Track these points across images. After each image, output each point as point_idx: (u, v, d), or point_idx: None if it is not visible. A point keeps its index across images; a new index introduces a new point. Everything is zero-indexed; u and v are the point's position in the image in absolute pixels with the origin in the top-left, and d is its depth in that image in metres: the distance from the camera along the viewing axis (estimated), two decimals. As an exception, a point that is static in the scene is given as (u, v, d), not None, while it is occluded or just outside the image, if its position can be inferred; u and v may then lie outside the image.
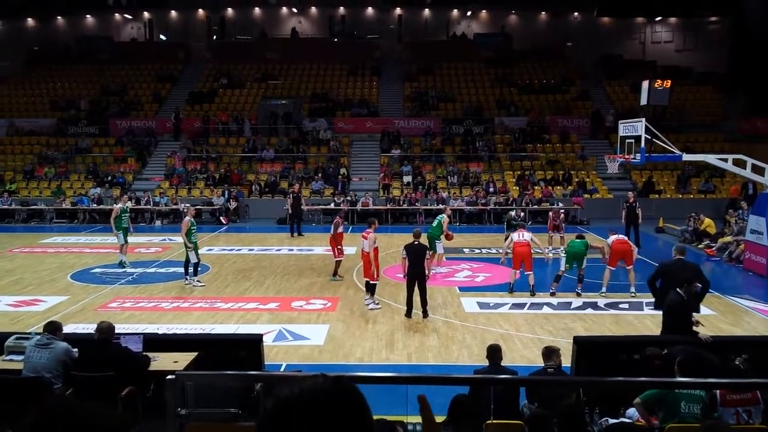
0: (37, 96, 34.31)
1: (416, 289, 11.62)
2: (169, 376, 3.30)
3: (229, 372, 3.53)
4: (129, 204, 17.72)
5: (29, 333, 7.53)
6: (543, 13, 38.04)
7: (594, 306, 12.61)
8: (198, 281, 14.39)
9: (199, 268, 14.65)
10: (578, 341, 8.35)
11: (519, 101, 33.02)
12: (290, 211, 22.23)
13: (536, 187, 26.79)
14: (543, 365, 6.88)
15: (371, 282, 12.54)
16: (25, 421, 1.53)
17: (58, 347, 6.64)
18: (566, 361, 8.83)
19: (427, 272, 12.76)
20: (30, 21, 38.20)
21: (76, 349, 6.83)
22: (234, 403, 4.22)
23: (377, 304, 12.58)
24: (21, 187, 27.64)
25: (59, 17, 38.19)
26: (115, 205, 18.05)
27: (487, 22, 38.87)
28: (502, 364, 7.08)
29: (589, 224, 24.24)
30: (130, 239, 16.89)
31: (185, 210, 16.02)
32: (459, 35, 38.00)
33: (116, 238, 16.25)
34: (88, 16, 38.23)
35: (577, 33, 37.54)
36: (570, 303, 12.79)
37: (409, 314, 11.70)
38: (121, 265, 16.13)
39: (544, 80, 34.75)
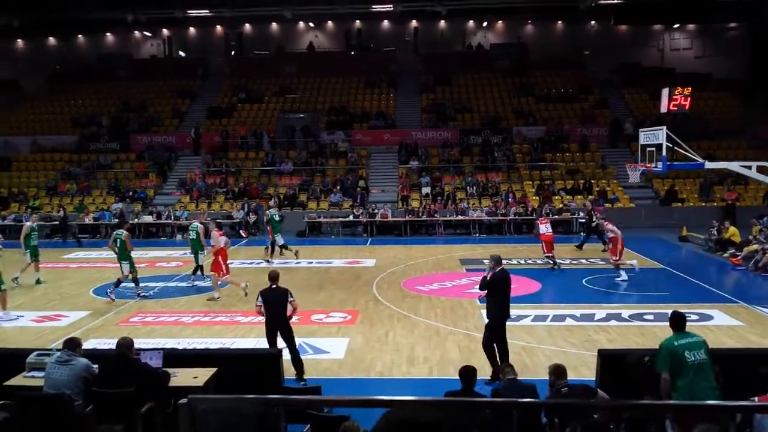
0: (59, 113, 34.83)
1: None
2: (181, 401, 3.25)
3: (245, 396, 3.45)
4: (38, 223, 17.95)
5: (50, 349, 7.55)
6: (559, 22, 37.86)
7: (618, 317, 12.39)
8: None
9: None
10: (603, 354, 8.16)
11: (537, 111, 32.86)
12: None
13: (556, 197, 26.57)
14: (553, 383, 6.66)
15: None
16: None
17: (78, 364, 6.64)
18: (590, 375, 8.70)
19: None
20: (52, 40, 38.85)
21: (96, 366, 6.83)
22: (252, 423, 4.15)
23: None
24: (44, 202, 28.00)
25: (80, 36, 38.78)
26: (26, 222, 17.65)
27: (503, 33, 38.80)
28: (521, 377, 6.95)
29: (610, 234, 23.95)
30: (149, 253, 16.99)
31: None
32: (475, 46, 37.97)
33: (25, 256, 16.24)
34: (108, 34, 38.78)
35: (594, 41, 37.32)
36: (593, 314, 12.58)
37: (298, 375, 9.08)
38: (38, 282, 16.37)
39: (561, 89, 34.56)
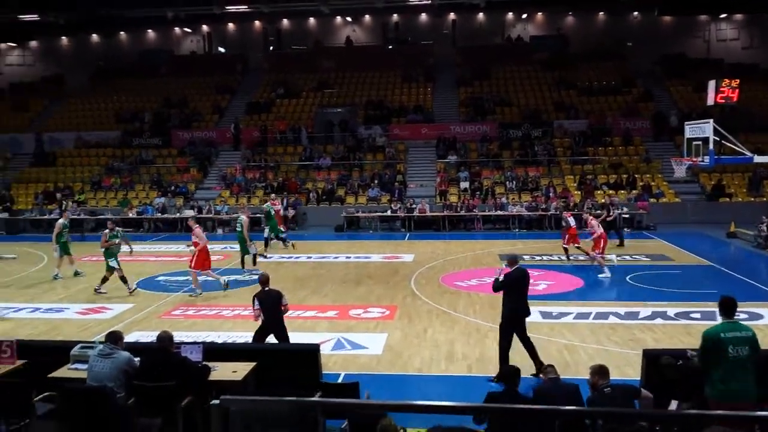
0: (103, 109, 35.56)
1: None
2: (213, 401, 3.20)
3: (279, 399, 3.39)
4: (72, 218, 18.48)
5: (93, 342, 7.66)
6: (601, 13, 37.06)
7: (663, 316, 12.03)
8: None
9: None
10: (648, 354, 7.91)
11: (578, 103, 32.25)
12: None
13: (598, 192, 26.06)
14: (596, 383, 6.47)
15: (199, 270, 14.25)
16: None
17: (120, 357, 6.70)
18: (635, 375, 8.46)
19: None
20: (95, 37, 39.68)
21: (137, 359, 6.90)
22: (289, 421, 4.09)
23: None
24: (89, 197, 28.63)
25: (122, 33, 39.52)
26: (59, 219, 17.73)
27: (542, 25, 38.17)
28: (564, 376, 6.79)
29: (656, 229, 23.41)
30: (190, 247, 17.17)
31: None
32: (514, 38, 37.46)
33: (55, 252, 16.58)
34: (149, 30, 39.40)
35: (637, 32, 36.40)
36: (638, 312, 12.25)
37: None
38: (56, 278, 16.50)
39: (603, 82, 33.85)
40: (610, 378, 6.46)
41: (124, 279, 14.68)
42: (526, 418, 3.82)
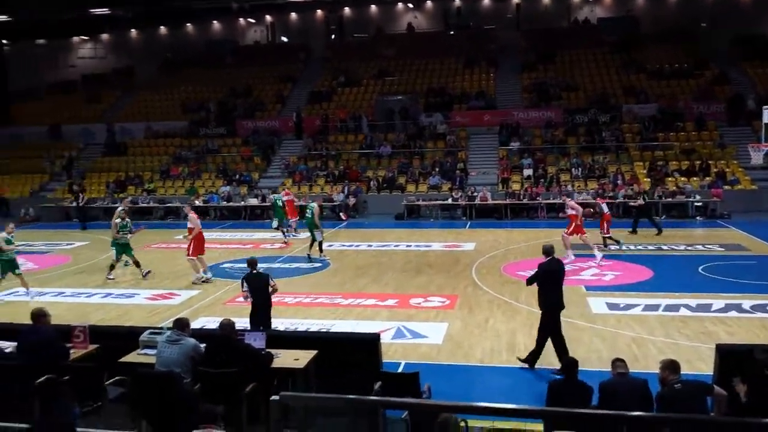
0: (171, 100, 36.58)
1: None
2: (273, 397, 3.20)
3: (339, 396, 3.37)
4: (129, 206, 18.87)
5: (161, 328, 7.87)
6: (673, -7, 35.57)
7: (738, 308, 11.48)
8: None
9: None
10: (721, 349, 7.55)
11: (648, 87, 31.05)
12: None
13: (670, 179, 25.09)
14: (666, 378, 6.20)
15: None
16: None
17: (187, 343, 6.86)
18: (707, 369, 8.12)
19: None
20: (163, 29, 40.82)
21: (203, 345, 7.05)
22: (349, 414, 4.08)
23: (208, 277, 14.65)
24: (158, 186, 29.57)
25: (188, 24, 40.50)
26: (118, 208, 17.87)
27: (611, 6, 36.88)
28: (633, 370, 6.58)
29: (730, 218, 22.39)
30: (254, 235, 17.51)
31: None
32: (581, 21, 36.36)
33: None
34: (214, 21, 40.26)
35: (711, 12, 34.67)
36: (710, 305, 11.73)
37: None
38: (127, 264, 16.86)
39: (675, 64, 32.47)
40: (681, 373, 6.20)
41: (137, 263, 15.55)
42: (592, 422, 3.66)
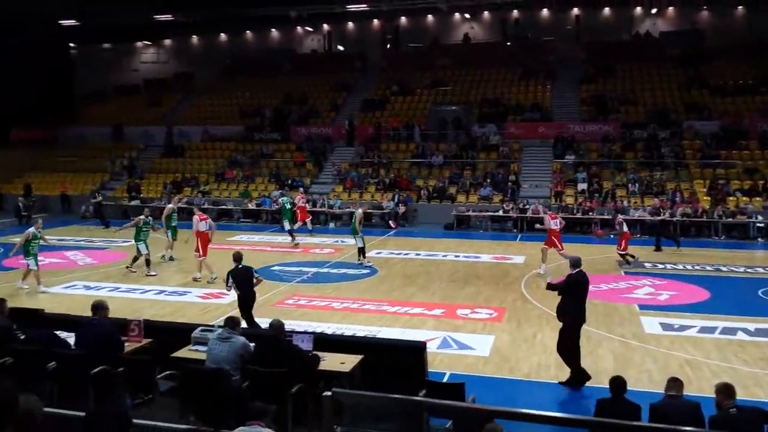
0: (228, 105, 37.39)
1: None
2: (325, 393, 3.23)
3: (387, 395, 3.37)
4: (179, 205, 19.92)
5: (212, 326, 8.04)
6: (740, 7, 34.43)
7: (801, 334, 11.01)
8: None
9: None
10: (784, 376, 7.25)
11: (712, 104, 30.14)
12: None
13: (731, 198, 24.26)
14: (721, 402, 5.98)
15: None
16: None
17: (237, 342, 6.99)
18: (764, 396, 7.81)
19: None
20: (223, 36, 41.83)
21: (253, 344, 7.16)
22: (395, 416, 4.08)
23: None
24: (213, 188, 30.24)
25: (248, 32, 41.38)
26: (168, 204, 19.23)
27: (674, 19, 35.97)
28: (686, 393, 6.38)
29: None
30: (305, 239, 17.71)
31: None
32: (643, 34, 35.60)
33: (166, 235, 17.76)
34: (273, 30, 41.01)
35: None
36: (771, 329, 11.28)
37: None
38: (171, 259, 17.70)
39: (740, 80, 31.45)
40: (737, 398, 5.98)
41: (148, 262, 16.08)
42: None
